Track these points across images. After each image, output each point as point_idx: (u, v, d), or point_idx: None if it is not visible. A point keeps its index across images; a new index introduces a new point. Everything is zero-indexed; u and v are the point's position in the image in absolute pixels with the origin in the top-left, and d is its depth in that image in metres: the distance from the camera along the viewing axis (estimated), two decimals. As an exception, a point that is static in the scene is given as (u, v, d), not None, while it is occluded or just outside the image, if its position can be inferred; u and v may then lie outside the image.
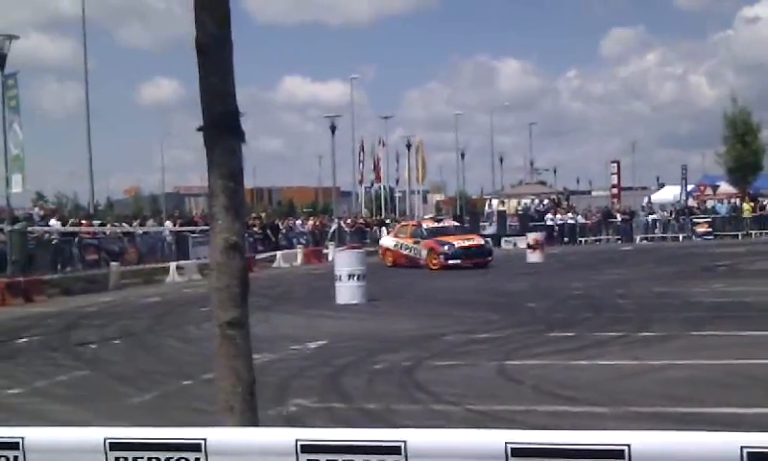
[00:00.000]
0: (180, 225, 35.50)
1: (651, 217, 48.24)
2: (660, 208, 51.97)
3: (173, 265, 29.34)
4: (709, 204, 52.69)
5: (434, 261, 29.10)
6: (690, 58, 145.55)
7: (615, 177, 64.15)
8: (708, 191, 61.24)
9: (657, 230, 46.90)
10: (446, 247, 29.41)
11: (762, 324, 12.88)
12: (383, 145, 63.37)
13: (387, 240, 33.40)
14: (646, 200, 57.64)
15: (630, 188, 76.62)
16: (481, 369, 10.30)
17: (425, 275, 27.28)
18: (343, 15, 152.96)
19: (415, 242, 30.55)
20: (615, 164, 65.46)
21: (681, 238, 45.36)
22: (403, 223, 37.05)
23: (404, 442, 2.78)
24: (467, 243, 30.15)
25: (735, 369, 9.66)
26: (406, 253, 30.77)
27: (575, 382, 9.25)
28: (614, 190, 63.23)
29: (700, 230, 45.43)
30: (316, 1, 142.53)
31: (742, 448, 2.50)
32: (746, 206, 47.14)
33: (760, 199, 50.24)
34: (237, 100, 3.83)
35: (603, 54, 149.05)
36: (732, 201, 50.58)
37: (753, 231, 44.82)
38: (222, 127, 3.72)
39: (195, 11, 3.67)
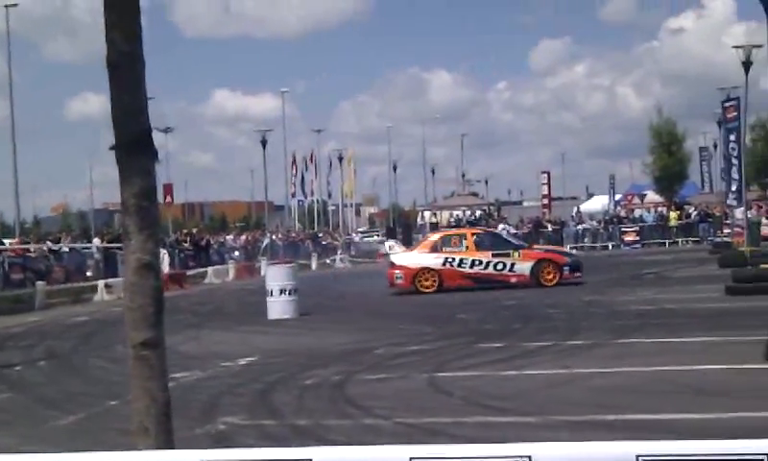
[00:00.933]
0: (109, 241, 34.89)
1: (580, 227, 48.96)
2: (590, 218, 52.78)
3: (101, 283, 28.81)
4: (637, 212, 53.70)
5: (549, 276, 23.08)
6: (617, 69, 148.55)
7: (546, 187, 65.04)
8: (636, 200, 62.49)
9: (586, 240, 47.64)
10: (570, 258, 24.73)
11: (687, 331, 13.11)
12: (313, 159, 63.24)
13: (420, 257, 24.43)
14: (576, 210, 58.53)
15: (560, 198, 77.71)
16: (411, 381, 10.30)
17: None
18: (272, 29, 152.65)
19: (498, 254, 23.71)
20: (546, 175, 66.39)
21: (610, 247, 46.13)
22: (444, 233, 28.52)
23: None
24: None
25: (661, 376, 9.82)
26: (476, 270, 23.71)
27: (504, 393, 9.31)
28: (545, 200, 64.07)
29: (628, 238, 46.27)
30: (245, 14, 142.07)
31: (638, 456, 2.54)
32: (672, 214, 48.11)
33: (686, 207, 51.34)
34: (151, 116, 3.77)
35: (532, 65, 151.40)
36: (659, 209, 51.58)
37: (679, 239, 45.74)
38: (134, 145, 3.66)
39: (106, 28, 3.61)
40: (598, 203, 68.39)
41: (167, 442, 3.57)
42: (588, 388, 9.41)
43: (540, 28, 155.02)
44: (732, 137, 27.34)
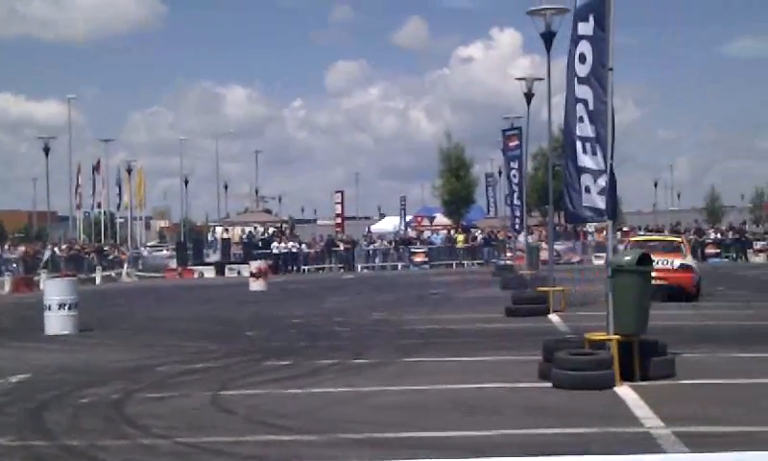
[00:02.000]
0: None
1: (372, 246, 49.75)
2: (381, 238, 53.75)
3: None
4: (426, 234, 55.19)
5: None
6: (410, 93, 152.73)
7: (339, 206, 65.66)
8: (426, 222, 64.26)
9: (377, 259, 48.45)
10: None
11: (469, 350, 13.51)
12: (101, 170, 60.95)
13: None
14: (367, 229, 59.45)
15: (353, 218, 78.81)
16: (194, 400, 10.04)
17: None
18: (59, 32, 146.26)
19: None
20: (340, 194, 67.04)
21: (399, 267, 47.11)
22: None
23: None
24: None
25: (442, 394, 10.04)
26: None
27: (288, 411, 9.24)
28: (338, 219, 64.67)
29: (417, 259, 47.43)
30: (31, 15, 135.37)
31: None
32: (459, 236, 49.77)
33: (472, 230, 53.30)
34: None
35: (328, 86, 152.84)
36: (447, 232, 53.23)
37: (465, 261, 47.36)
38: None
39: None
40: (389, 223, 69.89)
41: None
42: (370, 406, 9.49)
43: (336, 49, 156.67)
44: (514, 165, 28.54)
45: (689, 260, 22.82)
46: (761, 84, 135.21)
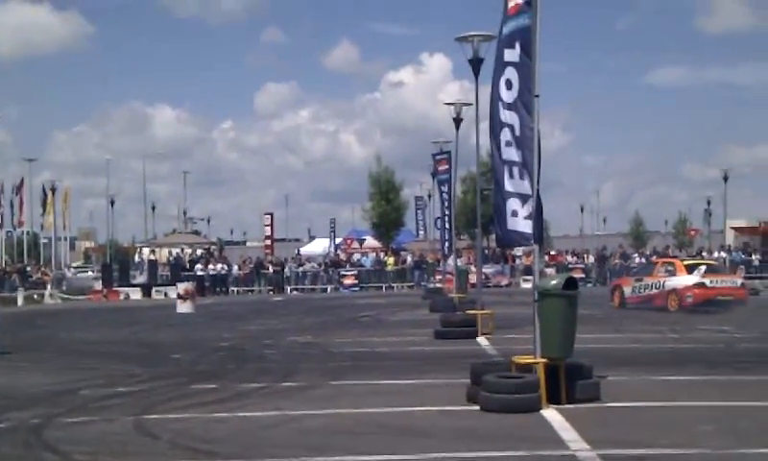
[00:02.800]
0: None
1: (301, 268, 49.56)
2: (310, 260, 53.57)
3: None
4: (356, 256, 55.17)
5: None
6: (341, 116, 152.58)
7: (269, 228, 65.28)
8: (356, 244, 64.24)
9: (307, 282, 48.25)
10: None
11: (397, 373, 13.51)
12: (23, 189, 59.64)
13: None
14: (297, 251, 59.21)
15: (283, 240, 78.34)
16: (117, 424, 9.83)
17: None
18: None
19: None
20: (269, 216, 66.67)
21: (329, 289, 46.99)
22: None
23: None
24: None
25: (371, 417, 10.01)
26: None
27: (214, 435, 9.11)
28: (268, 241, 64.29)
29: (347, 281, 47.37)
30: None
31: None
32: (389, 259, 49.86)
33: (402, 253, 53.45)
34: None
35: (258, 107, 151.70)
36: (377, 255, 53.29)
37: (395, 284, 47.44)
38: None
39: None
40: (319, 245, 69.70)
41: None
42: (298, 430, 9.41)
43: (266, 71, 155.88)
44: (444, 189, 28.73)
45: (742, 278, 30.07)
46: (683, 113, 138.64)
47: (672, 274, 26.80)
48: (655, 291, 26.84)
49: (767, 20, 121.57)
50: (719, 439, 8.58)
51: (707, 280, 25.96)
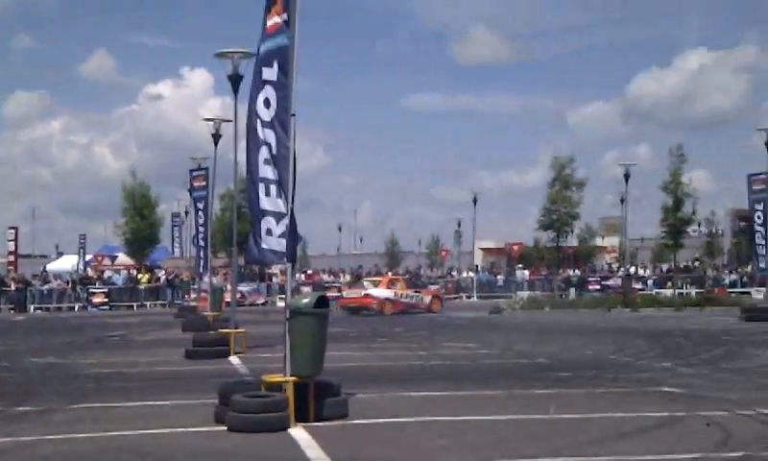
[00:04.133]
0: None
1: (47, 286, 47.24)
2: (57, 277, 51.20)
3: None
4: (108, 274, 53.23)
5: None
6: (96, 128, 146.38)
7: (13, 244, 61.94)
8: (107, 261, 61.98)
9: (53, 300, 46.01)
10: None
11: (145, 394, 13.07)
12: None
13: None
14: (42, 268, 56.42)
15: (29, 256, 74.51)
16: None
17: None
18: None
19: None
20: (14, 231, 63.28)
21: (77, 308, 45.08)
22: None
23: None
24: None
25: (113, 441, 9.59)
26: None
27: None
28: (11, 257, 60.96)
29: (96, 300, 45.70)
30: None
31: None
32: (143, 277, 48.51)
33: (156, 270, 52.12)
34: None
35: (5, 116, 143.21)
36: (129, 272, 51.68)
37: (148, 302, 46.23)
38: None
39: None
40: (68, 262, 66.60)
41: None
42: (30, 457, 8.87)
43: (15, 79, 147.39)
44: (201, 206, 28.35)
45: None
46: (437, 137, 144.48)
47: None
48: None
49: (515, 52, 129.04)
50: (454, 454, 8.87)
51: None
